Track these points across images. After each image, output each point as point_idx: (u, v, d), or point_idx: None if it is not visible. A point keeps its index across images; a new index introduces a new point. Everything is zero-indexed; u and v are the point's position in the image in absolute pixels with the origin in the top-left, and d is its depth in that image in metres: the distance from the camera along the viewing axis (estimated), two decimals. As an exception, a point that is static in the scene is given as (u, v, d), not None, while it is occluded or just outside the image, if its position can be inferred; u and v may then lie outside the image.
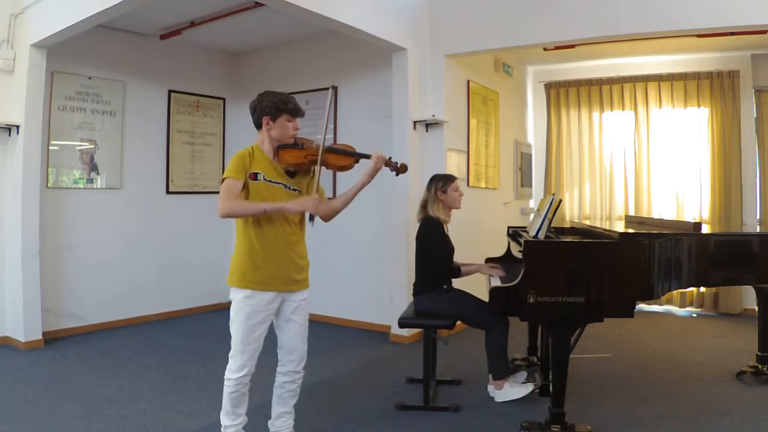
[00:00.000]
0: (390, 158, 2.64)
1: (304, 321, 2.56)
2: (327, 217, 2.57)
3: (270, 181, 2.42)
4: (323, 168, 2.51)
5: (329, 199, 2.62)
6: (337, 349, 4.51)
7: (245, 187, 2.38)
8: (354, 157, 2.57)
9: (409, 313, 3.38)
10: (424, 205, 3.47)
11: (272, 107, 2.43)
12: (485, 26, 4.73)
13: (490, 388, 3.30)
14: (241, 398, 2.45)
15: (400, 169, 2.68)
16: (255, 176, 2.40)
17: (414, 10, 4.85)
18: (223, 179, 2.37)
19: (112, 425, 2.91)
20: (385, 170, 2.70)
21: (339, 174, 5.13)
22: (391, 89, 4.86)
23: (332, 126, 5.49)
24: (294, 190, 2.49)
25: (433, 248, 3.34)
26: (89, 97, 5.04)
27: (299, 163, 2.47)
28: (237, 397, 2.43)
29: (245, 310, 2.38)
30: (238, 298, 2.41)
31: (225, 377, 2.43)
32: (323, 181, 2.62)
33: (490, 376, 3.28)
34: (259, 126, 2.48)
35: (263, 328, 2.44)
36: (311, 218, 2.44)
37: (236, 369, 2.40)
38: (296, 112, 2.47)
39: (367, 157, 2.57)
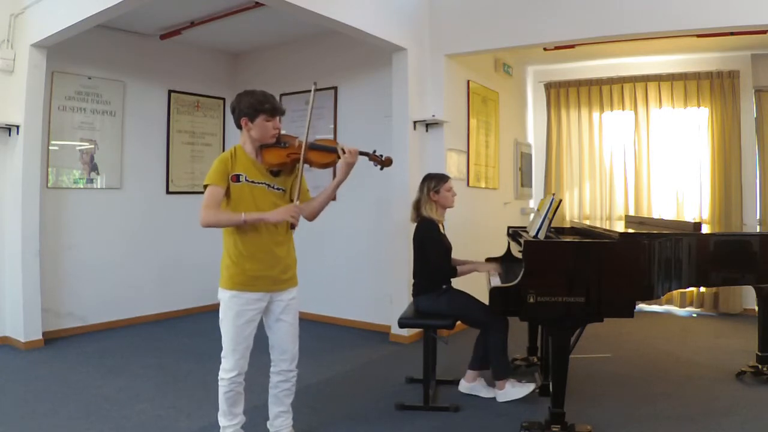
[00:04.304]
0: (374, 152, 2.60)
1: (294, 320, 2.56)
2: (311, 217, 2.57)
3: (252, 182, 2.40)
4: (311, 166, 2.49)
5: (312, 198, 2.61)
6: (336, 349, 4.51)
7: (227, 190, 2.37)
8: (335, 153, 2.50)
9: (408, 313, 3.38)
10: (417, 206, 3.44)
11: (249, 108, 2.38)
12: (485, 26, 4.73)
13: (491, 389, 3.30)
14: (237, 398, 2.46)
15: (385, 163, 2.62)
16: (237, 178, 2.38)
17: (414, 10, 4.85)
18: (205, 186, 2.35)
19: (112, 425, 2.91)
20: (376, 171, 2.66)
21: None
22: (391, 89, 4.85)
23: (332, 126, 5.49)
24: (278, 189, 2.47)
25: (430, 249, 3.33)
26: (89, 97, 5.03)
27: (282, 163, 2.45)
28: (232, 397, 2.44)
29: (234, 310, 2.39)
30: (225, 297, 2.42)
31: (219, 377, 2.44)
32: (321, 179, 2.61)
33: (491, 376, 3.28)
34: (239, 126, 2.45)
35: (253, 327, 2.44)
36: (292, 227, 2.42)
37: (229, 369, 2.41)
38: (274, 112, 2.41)
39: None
